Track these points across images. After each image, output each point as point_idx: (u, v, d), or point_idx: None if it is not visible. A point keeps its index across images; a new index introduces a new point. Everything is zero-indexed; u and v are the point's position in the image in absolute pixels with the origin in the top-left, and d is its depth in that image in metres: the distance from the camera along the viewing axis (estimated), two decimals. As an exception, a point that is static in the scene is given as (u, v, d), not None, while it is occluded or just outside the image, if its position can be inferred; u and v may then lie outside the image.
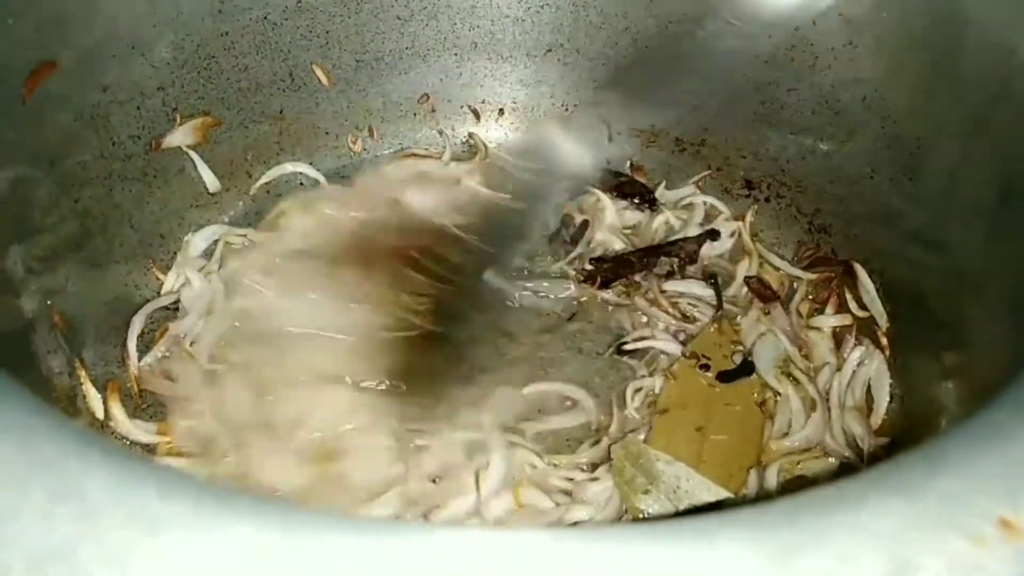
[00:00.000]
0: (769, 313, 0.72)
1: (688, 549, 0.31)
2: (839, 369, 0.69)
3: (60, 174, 0.67)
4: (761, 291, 0.74)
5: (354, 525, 0.33)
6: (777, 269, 0.77)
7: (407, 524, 0.33)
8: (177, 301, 0.74)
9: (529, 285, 0.76)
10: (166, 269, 0.76)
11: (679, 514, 0.56)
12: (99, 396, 0.64)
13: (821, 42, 0.74)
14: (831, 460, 0.65)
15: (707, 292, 0.75)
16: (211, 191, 0.79)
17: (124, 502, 0.32)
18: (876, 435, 0.66)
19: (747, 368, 0.69)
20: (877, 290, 0.72)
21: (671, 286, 0.75)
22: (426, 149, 0.87)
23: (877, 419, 0.68)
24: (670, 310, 0.73)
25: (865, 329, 0.72)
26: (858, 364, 0.69)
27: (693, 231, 0.80)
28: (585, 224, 0.80)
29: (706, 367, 0.69)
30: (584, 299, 0.76)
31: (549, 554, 0.31)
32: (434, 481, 0.63)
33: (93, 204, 0.70)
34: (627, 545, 0.31)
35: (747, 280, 0.76)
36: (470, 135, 0.88)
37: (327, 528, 0.32)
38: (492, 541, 0.32)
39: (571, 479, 0.64)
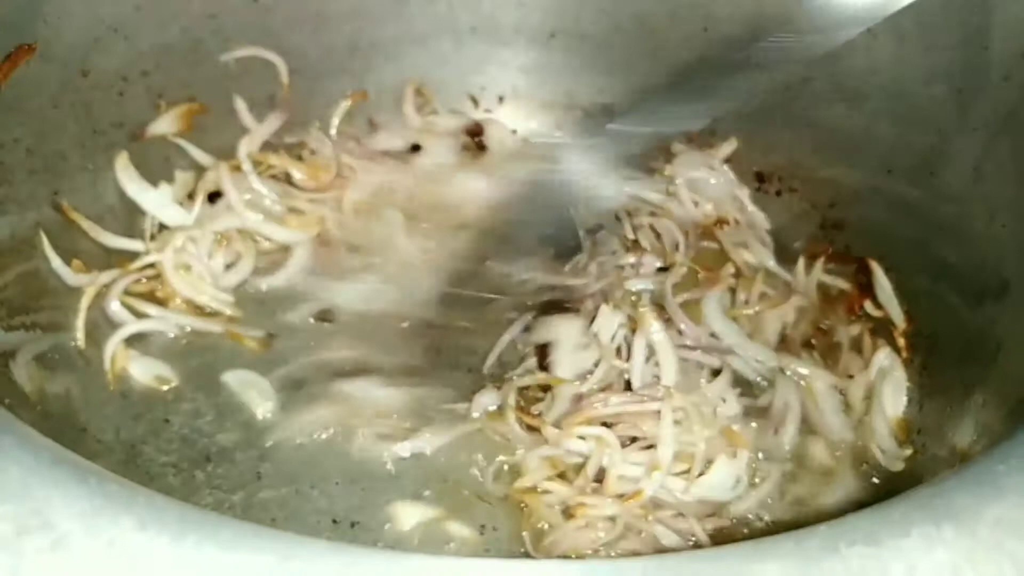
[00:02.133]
0: None
1: (726, 583, 0.28)
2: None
3: (38, 164, 0.64)
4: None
5: (346, 552, 0.30)
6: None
7: (406, 554, 0.30)
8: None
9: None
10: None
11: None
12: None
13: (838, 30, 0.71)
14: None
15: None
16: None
17: (100, 532, 0.29)
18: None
19: None
20: (894, 289, 0.70)
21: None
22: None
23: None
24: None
25: (881, 329, 0.69)
26: (880, 368, 0.65)
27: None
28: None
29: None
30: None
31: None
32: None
33: (73, 195, 0.67)
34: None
35: None
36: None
37: (319, 558, 0.30)
38: (503, 572, 0.30)
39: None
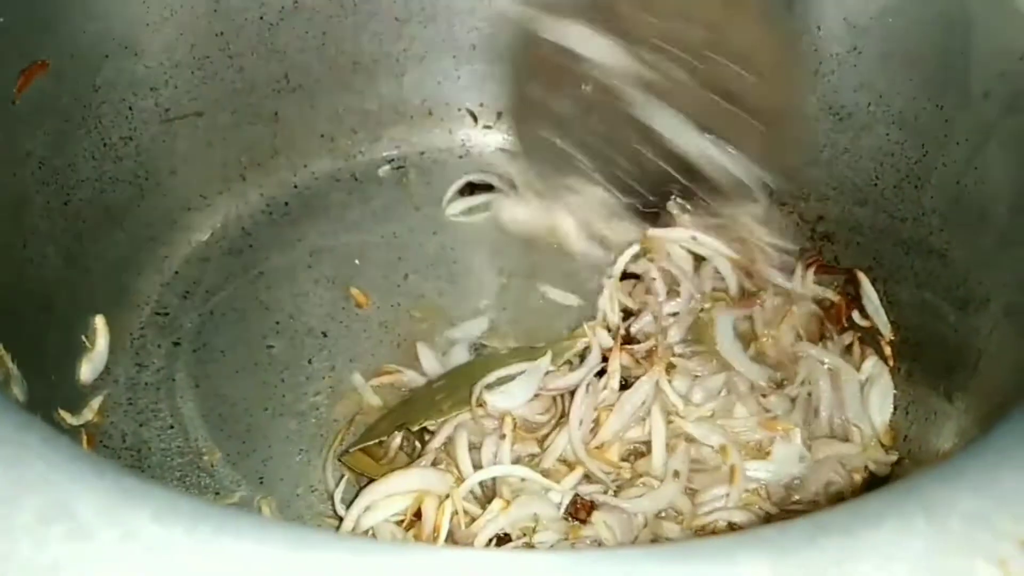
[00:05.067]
0: None
1: (708, 570, 0.30)
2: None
3: (50, 176, 0.66)
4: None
5: (358, 544, 0.32)
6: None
7: (413, 545, 0.32)
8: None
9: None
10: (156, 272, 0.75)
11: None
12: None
13: (825, 48, 0.73)
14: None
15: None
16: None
17: (118, 523, 0.31)
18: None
19: None
20: (881, 299, 0.72)
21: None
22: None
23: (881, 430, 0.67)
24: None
25: (868, 339, 0.71)
26: (868, 376, 0.67)
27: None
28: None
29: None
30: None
31: (562, 577, 0.30)
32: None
33: (83, 206, 0.69)
34: (644, 566, 0.30)
35: None
36: None
37: (329, 548, 0.31)
38: (501, 562, 0.31)
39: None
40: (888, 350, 0.70)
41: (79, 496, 0.31)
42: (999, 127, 0.61)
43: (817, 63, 0.74)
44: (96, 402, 0.66)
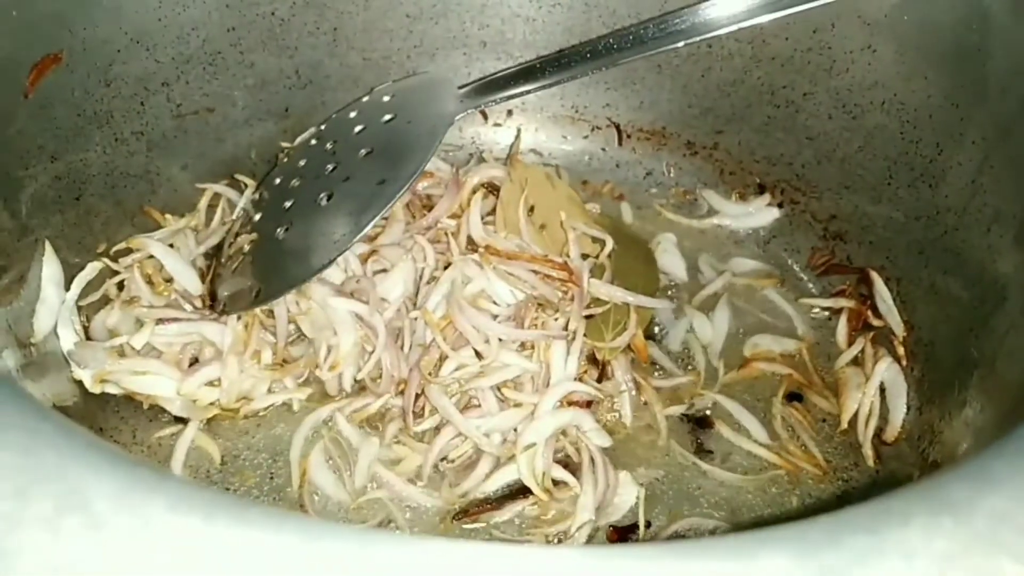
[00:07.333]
0: None
1: (730, 567, 0.30)
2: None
3: (62, 170, 0.66)
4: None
5: (366, 535, 0.32)
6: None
7: (426, 538, 0.31)
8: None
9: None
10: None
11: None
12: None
13: (839, 45, 0.73)
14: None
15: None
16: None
17: (132, 513, 0.30)
18: (892, 445, 0.65)
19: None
20: (894, 299, 0.71)
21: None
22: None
23: (893, 430, 0.66)
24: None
25: (881, 338, 0.71)
26: (881, 376, 0.67)
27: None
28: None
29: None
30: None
31: (582, 571, 0.30)
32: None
33: (95, 201, 0.69)
34: (667, 562, 0.30)
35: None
36: None
37: (342, 539, 0.31)
38: (519, 557, 0.31)
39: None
40: (901, 350, 0.69)
41: (94, 486, 0.31)
42: (1014, 126, 0.61)
43: (831, 61, 0.74)
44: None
